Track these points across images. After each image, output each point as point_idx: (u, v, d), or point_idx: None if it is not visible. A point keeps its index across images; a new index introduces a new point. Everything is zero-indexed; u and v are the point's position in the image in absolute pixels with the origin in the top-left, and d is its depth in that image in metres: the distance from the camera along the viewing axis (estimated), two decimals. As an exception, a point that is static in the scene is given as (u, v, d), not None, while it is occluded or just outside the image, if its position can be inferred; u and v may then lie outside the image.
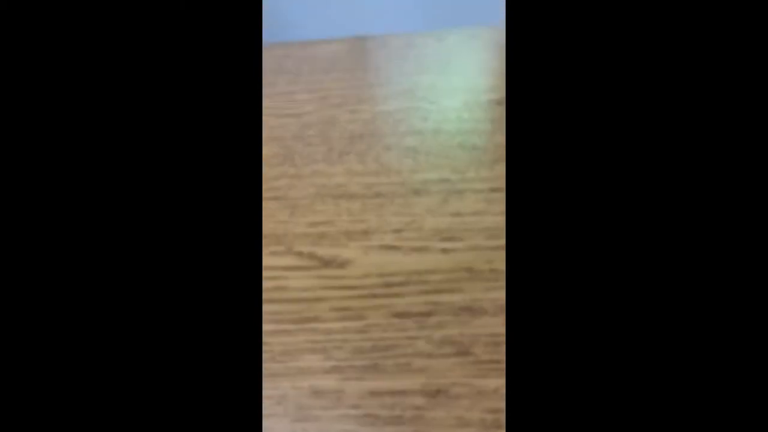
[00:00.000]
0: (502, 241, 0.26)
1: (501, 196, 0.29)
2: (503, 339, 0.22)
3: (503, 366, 0.21)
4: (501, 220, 0.27)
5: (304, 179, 0.33)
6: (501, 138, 0.33)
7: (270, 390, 0.21)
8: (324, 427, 0.19)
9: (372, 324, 0.23)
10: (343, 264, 0.26)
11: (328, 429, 0.19)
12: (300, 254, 0.27)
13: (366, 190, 0.31)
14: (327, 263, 0.27)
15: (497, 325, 0.22)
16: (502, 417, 0.19)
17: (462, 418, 0.19)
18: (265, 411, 0.21)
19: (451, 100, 0.38)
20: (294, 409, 0.20)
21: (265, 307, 0.25)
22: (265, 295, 0.25)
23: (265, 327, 0.24)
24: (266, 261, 0.27)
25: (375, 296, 0.24)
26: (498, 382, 0.20)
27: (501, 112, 0.36)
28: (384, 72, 0.43)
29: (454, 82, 0.40)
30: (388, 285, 0.25)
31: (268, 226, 0.29)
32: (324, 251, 0.27)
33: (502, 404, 0.19)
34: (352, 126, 0.37)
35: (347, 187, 0.31)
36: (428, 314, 0.23)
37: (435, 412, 0.19)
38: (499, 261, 0.25)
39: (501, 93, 0.38)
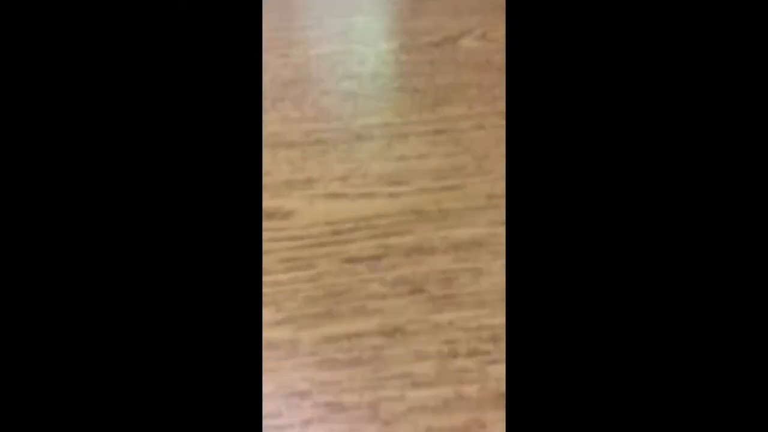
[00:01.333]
0: (449, 182, 0.26)
1: (445, 138, 0.29)
2: (455, 275, 0.22)
3: (456, 300, 0.21)
4: (446, 162, 0.27)
5: (236, 129, 0.31)
6: (441, 80, 0.33)
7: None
8: (282, 378, 0.19)
9: (323, 272, 0.23)
10: (286, 215, 0.25)
11: (286, 378, 0.19)
12: (239, 207, 0.26)
13: (305, 137, 0.29)
14: (270, 215, 0.25)
15: (448, 262, 0.23)
16: (458, 347, 0.20)
17: (420, 352, 0.19)
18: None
19: (388, 43, 0.37)
20: (248, 363, 0.20)
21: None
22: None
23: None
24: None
25: (324, 244, 0.24)
26: (451, 316, 0.21)
27: (439, 53, 0.35)
28: (315, 13, 0.41)
29: (389, 24, 0.39)
30: (337, 232, 0.24)
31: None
32: (265, 203, 0.26)
33: (457, 335, 0.20)
34: (285, 71, 0.35)
35: (284, 135, 0.30)
36: (379, 257, 0.23)
37: (393, 349, 0.20)
38: (447, 201, 0.25)
39: (438, 35, 0.37)
